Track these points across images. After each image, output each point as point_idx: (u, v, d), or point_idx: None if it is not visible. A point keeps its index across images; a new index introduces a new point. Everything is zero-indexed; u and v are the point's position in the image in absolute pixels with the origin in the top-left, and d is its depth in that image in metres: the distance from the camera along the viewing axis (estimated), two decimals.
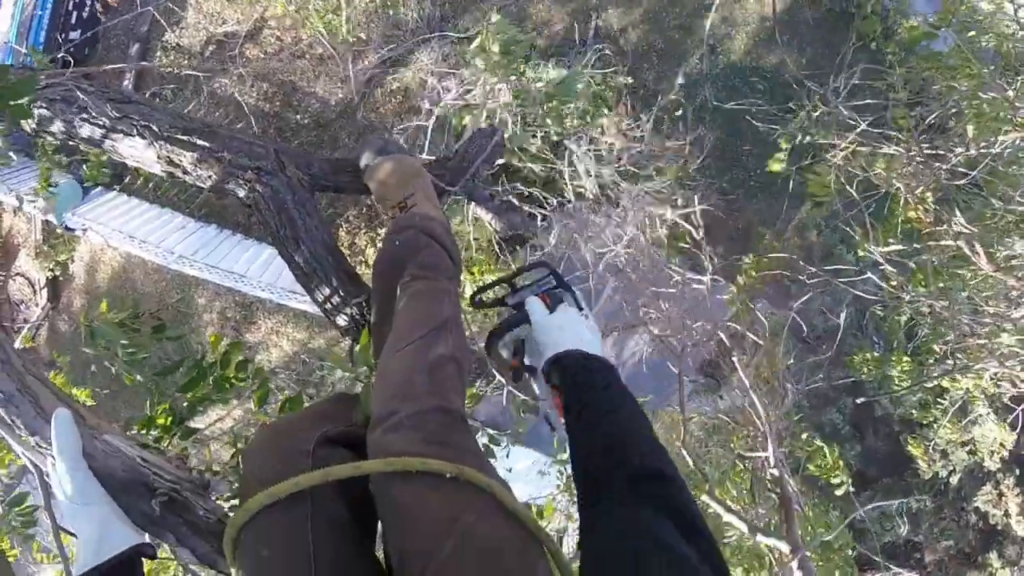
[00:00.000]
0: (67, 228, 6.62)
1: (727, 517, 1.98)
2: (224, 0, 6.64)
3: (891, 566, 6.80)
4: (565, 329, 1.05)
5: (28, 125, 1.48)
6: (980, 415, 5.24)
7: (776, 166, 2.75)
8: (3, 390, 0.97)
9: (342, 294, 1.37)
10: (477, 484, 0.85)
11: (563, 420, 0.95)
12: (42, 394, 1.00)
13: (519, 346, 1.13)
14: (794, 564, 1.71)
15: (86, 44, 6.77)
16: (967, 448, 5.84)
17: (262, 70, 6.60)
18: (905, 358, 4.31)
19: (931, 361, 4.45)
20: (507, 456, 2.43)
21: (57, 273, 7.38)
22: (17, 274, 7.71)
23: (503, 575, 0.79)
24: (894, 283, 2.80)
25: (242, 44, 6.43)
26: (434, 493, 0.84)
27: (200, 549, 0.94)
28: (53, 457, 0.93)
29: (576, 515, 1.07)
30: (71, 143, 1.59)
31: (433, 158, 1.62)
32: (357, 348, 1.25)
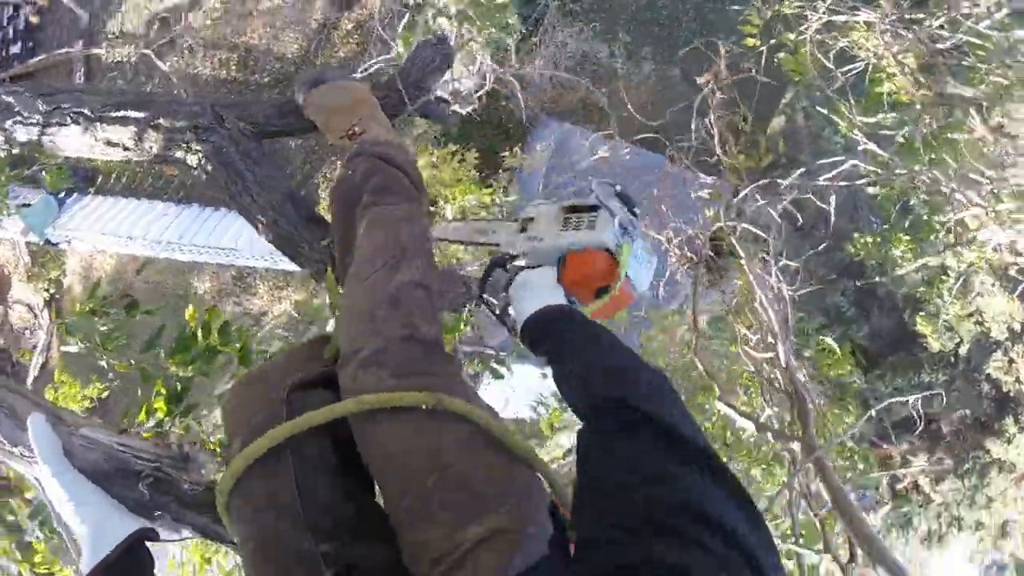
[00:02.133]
0: (50, 243, 6.54)
1: (740, 422, 1.96)
2: None
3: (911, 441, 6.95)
4: (527, 288, 1.07)
5: None
6: (986, 286, 5.22)
7: (751, 41, 2.61)
8: None
9: (308, 239, 1.32)
10: (456, 412, 0.83)
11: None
12: (18, 404, 0.98)
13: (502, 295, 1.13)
14: (810, 464, 1.69)
15: (28, 54, 6.56)
16: (973, 319, 5.85)
17: (211, 38, 6.35)
18: (905, 237, 4.26)
19: (932, 237, 4.40)
20: (511, 375, 2.40)
21: (52, 291, 7.30)
22: (15, 302, 7.64)
23: (488, 501, 0.79)
24: (880, 159, 2.72)
25: (186, 15, 6.17)
26: (411, 428, 0.83)
27: (197, 523, 0.94)
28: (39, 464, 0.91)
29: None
30: (14, 152, 1.53)
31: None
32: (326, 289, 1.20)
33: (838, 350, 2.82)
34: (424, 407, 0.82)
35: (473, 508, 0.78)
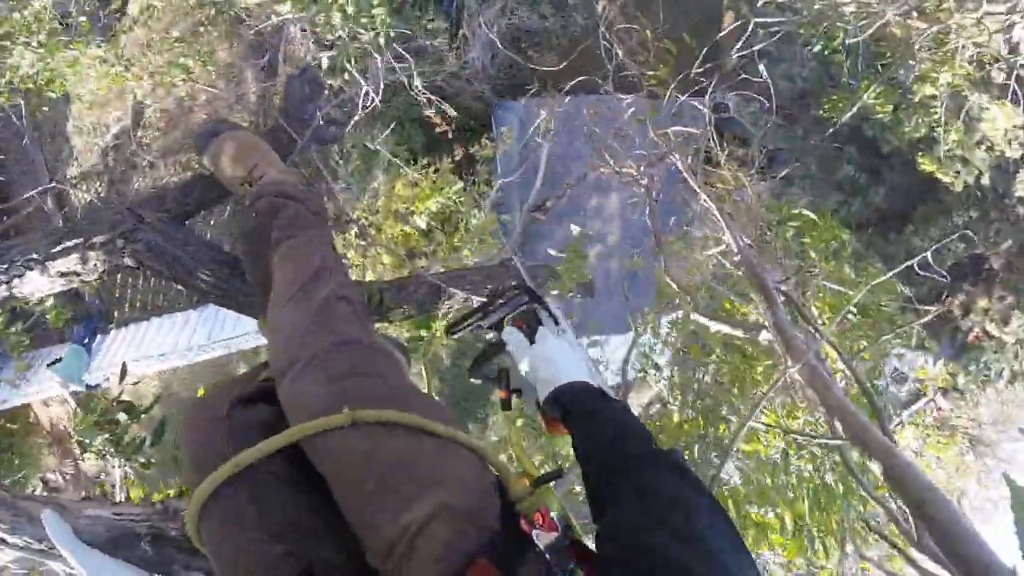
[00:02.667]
0: (91, 388, 6.84)
1: (714, 327, 1.94)
2: (97, 108, 6.55)
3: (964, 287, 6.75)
4: (554, 361, 1.02)
5: None
6: (978, 105, 5.05)
7: None
8: (4, 522, 1.07)
9: (243, 289, 1.40)
10: (376, 421, 0.88)
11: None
12: (31, 507, 1.09)
13: (504, 375, 1.11)
14: (780, 348, 1.65)
15: None
16: (983, 147, 5.67)
17: (165, 145, 6.55)
18: (867, 82, 4.15)
19: (900, 71, 4.29)
20: None
21: (113, 427, 7.57)
22: (83, 452, 7.94)
23: (427, 482, 0.83)
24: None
25: (133, 136, 6.37)
26: (342, 441, 0.88)
27: (205, 566, 1.02)
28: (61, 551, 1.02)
29: None
30: None
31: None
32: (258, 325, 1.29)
33: (815, 217, 2.78)
34: (344, 425, 0.87)
35: (413, 490, 0.82)
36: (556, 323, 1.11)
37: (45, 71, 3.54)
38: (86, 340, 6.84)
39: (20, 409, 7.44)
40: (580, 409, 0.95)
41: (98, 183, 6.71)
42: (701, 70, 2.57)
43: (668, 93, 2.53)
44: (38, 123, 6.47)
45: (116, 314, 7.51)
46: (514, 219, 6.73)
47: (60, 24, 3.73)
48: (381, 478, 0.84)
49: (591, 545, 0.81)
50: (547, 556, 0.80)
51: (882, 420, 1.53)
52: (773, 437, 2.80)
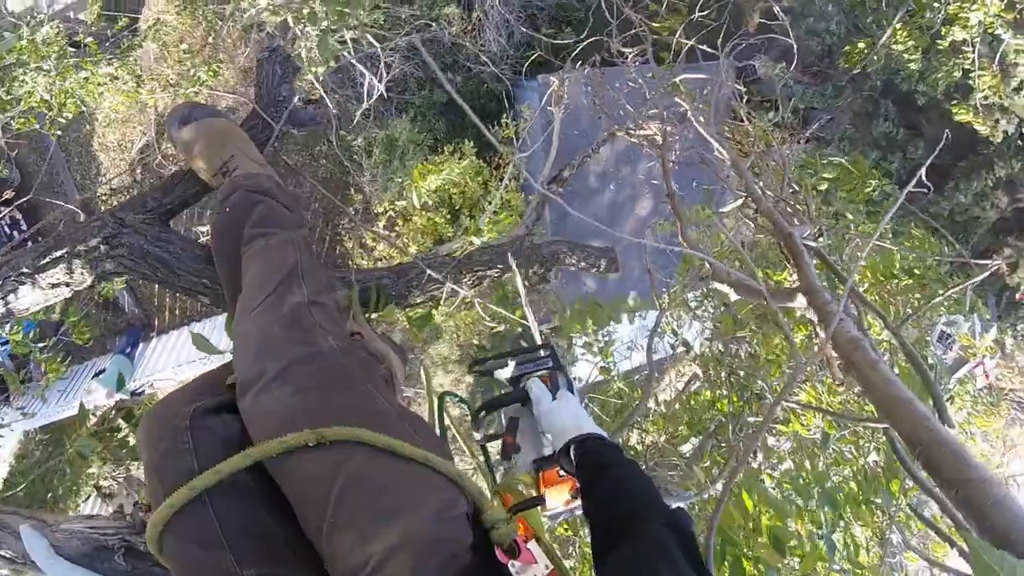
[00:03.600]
0: (135, 395, 7.06)
1: (734, 295, 1.78)
2: (119, 125, 6.70)
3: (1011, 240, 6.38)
4: (579, 418, 1.10)
5: None
6: (1014, 47, 4.73)
7: None
8: None
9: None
10: (342, 439, 0.83)
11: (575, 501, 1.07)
12: (14, 522, 1.09)
13: (512, 424, 1.18)
14: (810, 312, 1.50)
15: (28, 239, 7.05)
16: (1021, 93, 5.32)
17: None
18: (898, 27, 3.91)
19: (926, 15, 4.03)
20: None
21: None
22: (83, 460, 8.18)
23: (391, 512, 0.78)
24: None
25: (158, 148, 6.50)
26: (308, 460, 0.83)
27: None
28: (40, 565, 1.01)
29: None
30: None
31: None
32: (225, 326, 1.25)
33: (848, 164, 2.57)
34: (307, 444, 0.82)
35: (377, 520, 0.77)
36: (571, 390, 1.22)
37: (59, 93, 3.60)
38: (128, 350, 7.05)
39: (70, 421, 7.75)
40: (597, 460, 0.99)
41: (123, 197, 6.87)
42: (715, 24, 2.43)
43: (674, 46, 2.40)
44: (63, 145, 6.65)
45: (156, 322, 7.73)
46: (536, 196, 6.63)
47: (70, 47, 3.79)
48: (342, 503, 0.79)
49: None
50: None
51: (942, 407, 1.35)
52: (811, 416, 2.67)
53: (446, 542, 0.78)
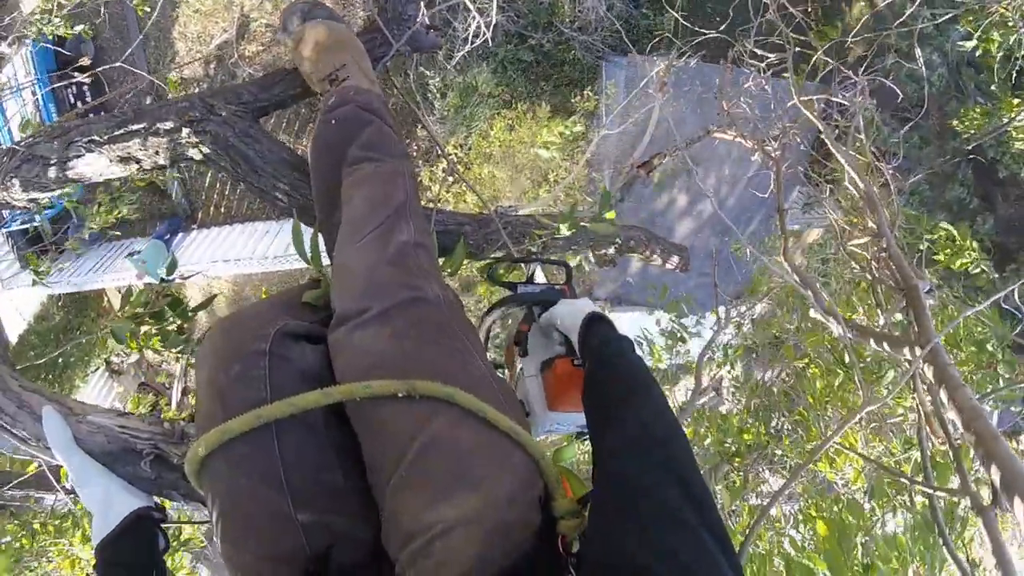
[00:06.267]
0: (165, 281, 7.11)
1: (837, 331, 1.64)
2: (203, 17, 6.60)
3: None
4: (593, 306, 1.06)
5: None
6: None
7: None
8: (6, 411, 0.99)
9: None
10: (433, 396, 0.77)
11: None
12: (35, 402, 1.02)
13: (528, 315, 1.16)
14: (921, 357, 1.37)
15: (90, 111, 6.99)
16: None
17: (267, 62, 6.55)
18: (1014, 101, 3.63)
19: None
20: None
21: (180, 323, 7.93)
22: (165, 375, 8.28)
23: (464, 482, 0.72)
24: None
25: (236, 47, 6.40)
26: (398, 406, 0.77)
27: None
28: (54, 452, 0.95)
29: None
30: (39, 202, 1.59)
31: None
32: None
33: (957, 234, 2.41)
34: (396, 394, 0.76)
35: (454, 485, 0.72)
36: None
37: None
38: (167, 236, 7.08)
39: (95, 294, 7.86)
40: (606, 333, 0.95)
41: (193, 88, 6.81)
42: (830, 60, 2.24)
43: (813, 65, 2.21)
44: (142, 26, 6.57)
45: (200, 215, 7.75)
46: (603, 177, 6.44)
47: None
48: (420, 461, 0.74)
49: None
50: None
51: None
52: (844, 462, 2.53)
53: (516, 525, 0.73)
